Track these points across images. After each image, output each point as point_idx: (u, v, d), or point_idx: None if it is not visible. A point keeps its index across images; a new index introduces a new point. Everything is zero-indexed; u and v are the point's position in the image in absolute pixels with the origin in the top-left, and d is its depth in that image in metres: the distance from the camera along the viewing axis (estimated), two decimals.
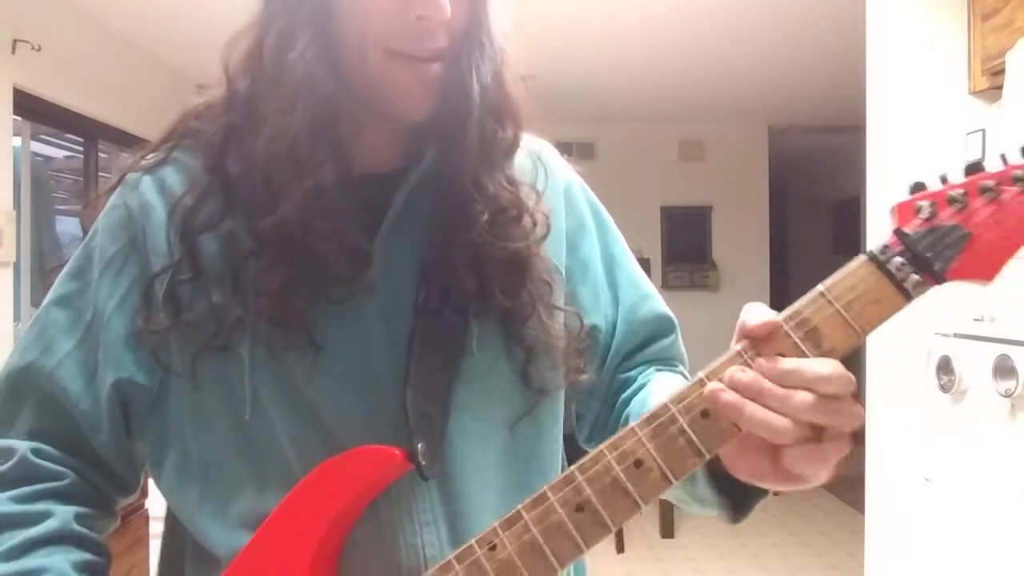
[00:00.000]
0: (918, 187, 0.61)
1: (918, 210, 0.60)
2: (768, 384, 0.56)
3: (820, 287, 0.59)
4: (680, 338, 0.86)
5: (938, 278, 0.59)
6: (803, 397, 0.55)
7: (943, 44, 2.27)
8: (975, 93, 2.23)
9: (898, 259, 0.58)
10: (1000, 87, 2.04)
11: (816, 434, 0.56)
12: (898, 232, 0.60)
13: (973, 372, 1.98)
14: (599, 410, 0.82)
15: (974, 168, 0.60)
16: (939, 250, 0.59)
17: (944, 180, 0.61)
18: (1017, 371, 1.81)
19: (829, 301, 0.58)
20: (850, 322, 0.58)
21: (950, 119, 2.20)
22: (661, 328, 0.83)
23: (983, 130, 1.99)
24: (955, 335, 2.04)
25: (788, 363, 0.57)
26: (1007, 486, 1.85)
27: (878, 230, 2.43)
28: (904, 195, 0.61)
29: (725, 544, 4.24)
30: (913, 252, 0.59)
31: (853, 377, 0.57)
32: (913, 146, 2.31)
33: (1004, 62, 1.99)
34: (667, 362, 0.83)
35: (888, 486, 2.37)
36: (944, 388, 2.06)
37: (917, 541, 2.21)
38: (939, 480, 2.12)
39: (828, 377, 0.55)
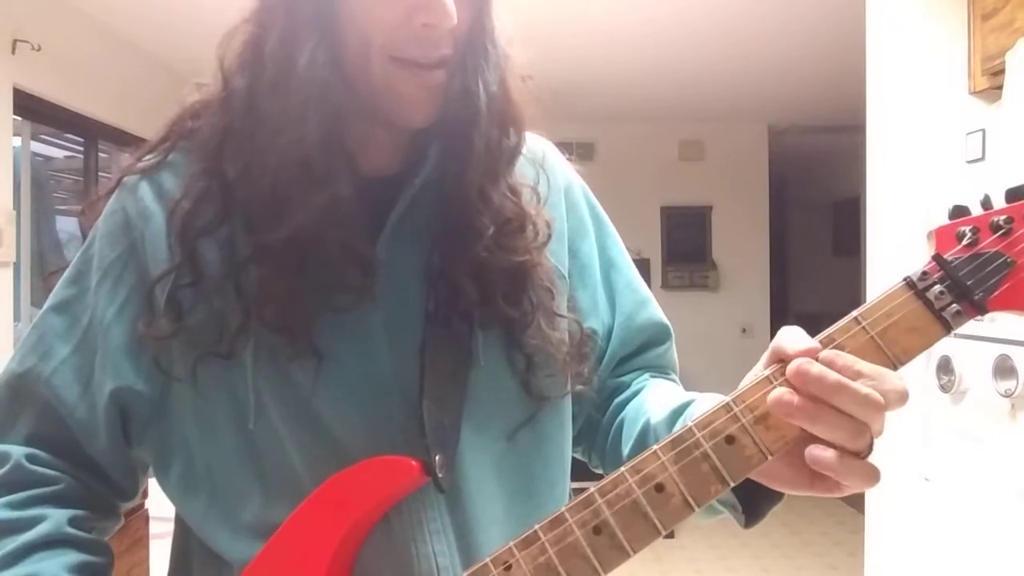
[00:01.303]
0: (959, 211, 0.58)
1: (959, 236, 0.57)
2: (845, 380, 0.53)
3: (855, 312, 0.56)
4: (674, 346, 0.85)
5: (979, 308, 0.56)
6: (874, 394, 0.53)
7: (943, 44, 2.27)
8: (975, 93, 2.22)
9: (937, 287, 0.56)
10: (1000, 87, 2.04)
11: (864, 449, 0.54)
12: (937, 258, 0.57)
13: (973, 372, 1.98)
14: (590, 413, 0.82)
15: (1018, 193, 0.57)
16: (981, 278, 0.56)
17: (987, 205, 0.58)
18: (1017, 371, 1.81)
19: (864, 328, 0.56)
20: (884, 350, 0.56)
21: (950, 119, 2.20)
22: (657, 336, 0.83)
23: (983, 130, 1.99)
24: (955, 335, 2.04)
25: (868, 366, 0.54)
26: (1007, 486, 1.85)
27: (878, 230, 2.43)
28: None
29: (725, 544, 4.24)
30: (953, 279, 0.56)
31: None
32: (913, 146, 2.30)
33: (1004, 62, 1.99)
34: (660, 369, 0.83)
35: (888, 486, 2.37)
36: (944, 388, 2.06)
37: (917, 541, 2.21)
38: (939, 480, 2.12)
39: (898, 385, 0.54)
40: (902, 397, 0.54)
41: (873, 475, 0.55)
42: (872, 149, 2.46)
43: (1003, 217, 0.56)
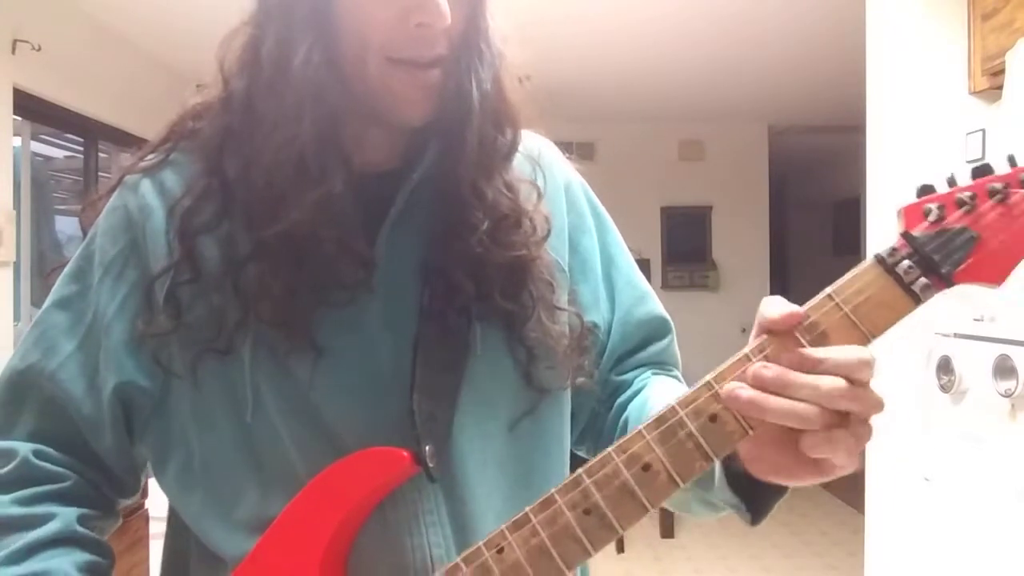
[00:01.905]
0: (926, 190, 0.61)
1: (926, 213, 0.59)
2: (794, 375, 0.56)
3: (828, 290, 0.59)
4: (675, 341, 0.85)
5: (946, 280, 0.58)
6: (834, 383, 0.55)
7: (943, 44, 2.27)
8: (975, 93, 2.22)
9: (906, 262, 0.58)
10: (1000, 87, 2.04)
11: (841, 421, 0.56)
12: (905, 235, 0.59)
13: (973, 372, 1.98)
14: (592, 411, 0.82)
15: (982, 171, 0.59)
16: (947, 252, 0.58)
17: (952, 183, 0.60)
18: (1017, 371, 1.81)
19: (837, 304, 0.58)
20: (858, 325, 0.58)
21: (950, 119, 2.20)
22: (657, 330, 0.83)
23: (983, 130, 1.99)
24: (955, 335, 2.04)
25: (819, 351, 0.56)
26: (1007, 486, 1.85)
27: (878, 230, 2.43)
28: (910, 197, 0.61)
29: (725, 544, 4.24)
30: (920, 254, 0.58)
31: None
32: (913, 146, 2.30)
33: (1004, 62, 1.99)
34: (662, 366, 0.83)
35: (888, 486, 2.37)
36: (944, 388, 2.06)
37: (917, 541, 2.21)
38: (939, 480, 2.12)
39: (866, 362, 0.55)
40: (868, 366, 0.56)
41: (855, 442, 0.56)
42: (872, 149, 2.46)
43: (968, 194, 0.59)
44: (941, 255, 0.58)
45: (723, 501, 0.66)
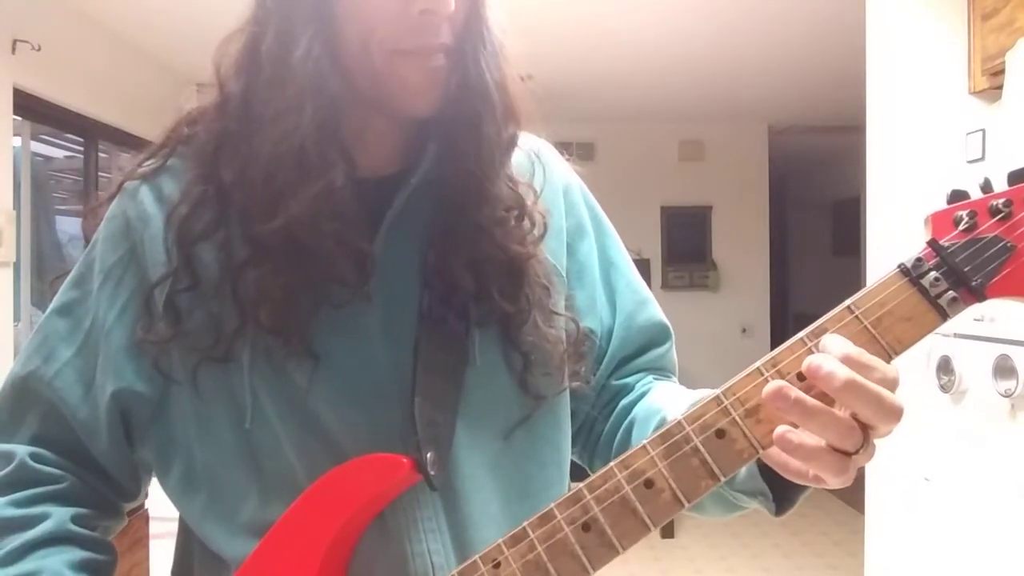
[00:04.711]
0: (957, 195, 0.57)
1: (956, 221, 0.55)
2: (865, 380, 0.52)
3: (848, 301, 0.55)
4: (674, 347, 0.84)
5: (977, 294, 0.54)
6: (895, 404, 0.53)
7: (943, 44, 2.27)
8: (975, 93, 2.22)
9: (932, 274, 0.54)
10: (1000, 87, 2.03)
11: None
12: (932, 244, 0.55)
13: (973, 372, 1.98)
14: (587, 416, 0.81)
15: (1019, 176, 0.55)
16: (979, 264, 0.54)
17: (987, 188, 0.56)
18: (1017, 371, 1.81)
19: (857, 317, 0.54)
20: (878, 339, 0.54)
21: (950, 119, 2.20)
22: (658, 336, 0.83)
23: (983, 130, 1.99)
24: (955, 335, 2.04)
25: (875, 361, 0.53)
26: (1007, 486, 1.85)
27: (878, 230, 2.43)
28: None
29: (726, 544, 4.24)
30: (949, 266, 0.54)
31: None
32: (913, 146, 2.30)
33: (1004, 62, 1.98)
34: (661, 371, 0.83)
35: (888, 486, 2.37)
36: (944, 388, 2.06)
37: (917, 541, 2.21)
38: (939, 480, 2.12)
39: (896, 415, 0.53)
40: (895, 383, 0.53)
41: (846, 472, 0.53)
42: (872, 149, 2.46)
43: (1002, 200, 0.55)
44: (972, 266, 0.54)
45: (750, 490, 0.64)
